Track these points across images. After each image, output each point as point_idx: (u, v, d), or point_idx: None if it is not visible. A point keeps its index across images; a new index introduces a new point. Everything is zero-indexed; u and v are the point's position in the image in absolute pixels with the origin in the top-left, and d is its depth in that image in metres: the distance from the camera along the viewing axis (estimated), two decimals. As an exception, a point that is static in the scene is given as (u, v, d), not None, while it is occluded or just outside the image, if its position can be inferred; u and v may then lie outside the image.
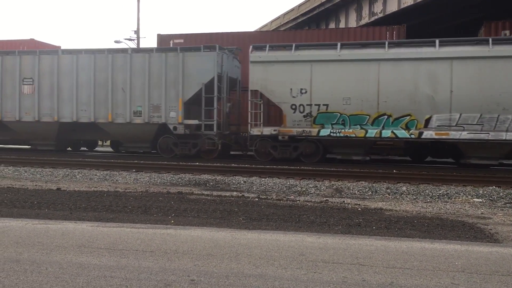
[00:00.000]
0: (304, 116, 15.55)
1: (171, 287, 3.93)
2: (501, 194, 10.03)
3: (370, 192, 10.40)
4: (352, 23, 29.45)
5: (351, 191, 10.52)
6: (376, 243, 5.46)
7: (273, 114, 17.23)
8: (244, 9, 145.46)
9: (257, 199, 9.06)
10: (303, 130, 15.53)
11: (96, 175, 12.85)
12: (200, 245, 5.27)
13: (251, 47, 16.36)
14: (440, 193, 10.14)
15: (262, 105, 16.34)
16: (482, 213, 8.06)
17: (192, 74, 16.79)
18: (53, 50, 19.17)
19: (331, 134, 15.29)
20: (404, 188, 10.68)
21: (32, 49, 20.42)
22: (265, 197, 9.46)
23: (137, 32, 34.93)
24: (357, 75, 15.04)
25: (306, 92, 15.46)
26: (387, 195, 10.16)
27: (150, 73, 17.15)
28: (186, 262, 4.64)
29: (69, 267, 4.43)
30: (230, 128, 18.35)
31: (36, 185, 10.92)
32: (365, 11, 28.54)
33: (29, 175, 13.02)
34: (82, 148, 22.24)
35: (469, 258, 4.88)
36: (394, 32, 19.23)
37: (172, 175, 12.65)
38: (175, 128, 16.89)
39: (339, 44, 15.44)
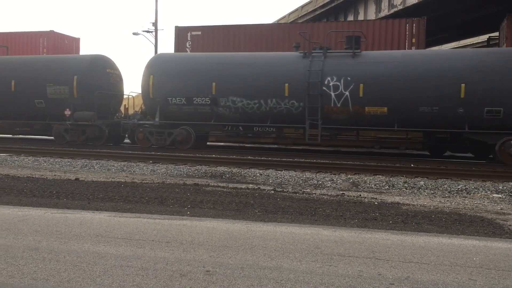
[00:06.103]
0: None
1: (187, 277, 3.96)
2: (522, 190, 9.85)
3: (387, 186, 10.31)
4: (371, 15, 29.10)
5: (368, 185, 10.44)
6: (392, 238, 5.41)
7: None
8: (262, 0, 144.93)
9: (273, 192, 9.05)
10: None
11: (113, 166, 12.98)
12: (215, 236, 5.29)
13: None
14: (458, 188, 10.00)
15: None
16: (501, 209, 7.93)
17: None
18: None
19: None
20: (422, 182, 10.55)
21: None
22: (281, 190, 9.44)
23: (155, 24, 35.03)
24: None
25: None
26: (404, 189, 10.06)
27: None
28: (201, 253, 4.66)
29: (86, 256, 4.49)
30: None
31: (55, 175, 11.08)
32: (385, 3, 28.14)
33: (48, 165, 13.21)
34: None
35: (487, 254, 4.81)
36: (414, 25, 18.93)
37: (188, 167, 12.71)
38: None
39: None
